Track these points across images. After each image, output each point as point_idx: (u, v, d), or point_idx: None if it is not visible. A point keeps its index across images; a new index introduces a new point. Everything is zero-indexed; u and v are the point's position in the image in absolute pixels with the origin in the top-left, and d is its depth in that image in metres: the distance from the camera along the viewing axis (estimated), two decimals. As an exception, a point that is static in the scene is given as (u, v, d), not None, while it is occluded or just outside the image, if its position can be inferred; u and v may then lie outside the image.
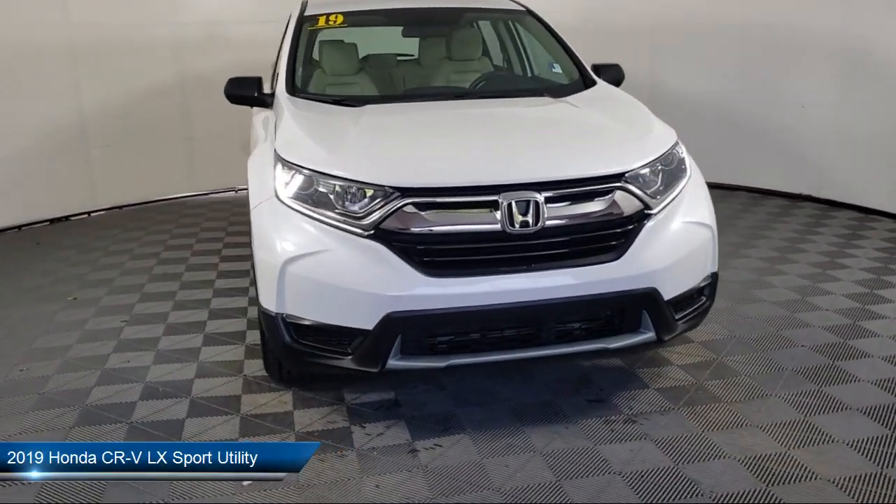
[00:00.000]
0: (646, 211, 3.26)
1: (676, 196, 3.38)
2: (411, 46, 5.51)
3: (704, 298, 3.50)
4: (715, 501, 2.77)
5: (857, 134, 6.43)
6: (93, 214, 7.35)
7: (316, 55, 4.73)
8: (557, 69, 4.41)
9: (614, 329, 3.28)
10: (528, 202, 3.07)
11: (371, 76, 4.63)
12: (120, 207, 7.49)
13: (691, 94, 7.26)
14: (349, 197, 3.15)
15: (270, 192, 3.31)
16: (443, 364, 3.12)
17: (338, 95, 4.09)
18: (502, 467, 3.01)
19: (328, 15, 4.61)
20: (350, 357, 3.15)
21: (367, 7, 4.80)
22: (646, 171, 3.30)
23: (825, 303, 4.57)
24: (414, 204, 3.07)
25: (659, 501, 2.78)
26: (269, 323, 3.24)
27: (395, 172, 3.15)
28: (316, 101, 3.97)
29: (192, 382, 3.80)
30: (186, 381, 3.81)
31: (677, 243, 3.31)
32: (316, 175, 3.21)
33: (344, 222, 3.13)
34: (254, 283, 3.64)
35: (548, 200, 3.10)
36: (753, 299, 4.66)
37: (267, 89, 4.28)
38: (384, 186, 3.10)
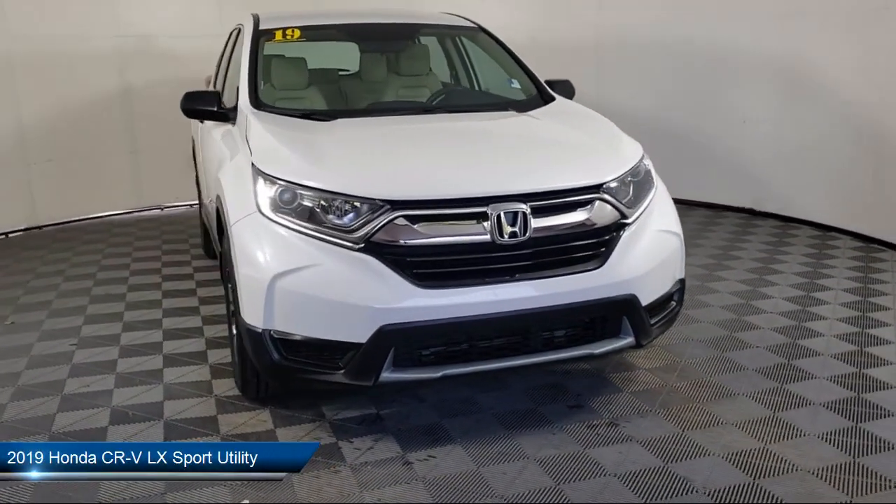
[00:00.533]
0: (622, 221, 3.38)
1: (647, 206, 3.52)
2: (352, 62, 5.51)
3: (674, 303, 3.64)
4: (711, 497, 2.88)
5: (790, 148, 6.71)
6: (11, 235, 7.05)
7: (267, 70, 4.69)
8: (516, 85, 4.50)
9: (597, 335, 3.37)
10: (515, 213, 3.14)
11: (322, 91, 4.62)
12: (60, 224, 7.36)
13: (635, 108, 7.42)
14: (336, 210, 3.15)
15: (251, 206, 3.27)
16: (437, 375, 3.14)
17: (305, 109, 4.06)
18: (500, 475, 3.05)
19: (285, 29, 4.58)
20: (342, 371, 3.13)
21: (323, 22, 4.79)
22: (620, 182, 3.43)
23: (768, 306, 4.82)
24: (405, 216, 3.09)
25: (658, 500, 2.87)
26: (255, 340, 3.19)
27: (385, 185, 3.17)
28: (282, 115, 3.93)
29: (162, 405, 3.68)
30: (156, 404, 3.69)
31: (651, 251, 3.44)
32: (300, 189, 3.20)
33: (333, 235, 3.12)
34: (231, 300, 3.58)
35: (533, 211, 3.18)
36: (701, 304, 4.86)
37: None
38: (374, 199, 3.11)
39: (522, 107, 4.21)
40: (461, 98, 4.59)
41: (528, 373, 3.83)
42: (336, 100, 4.75)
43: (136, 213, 7.83)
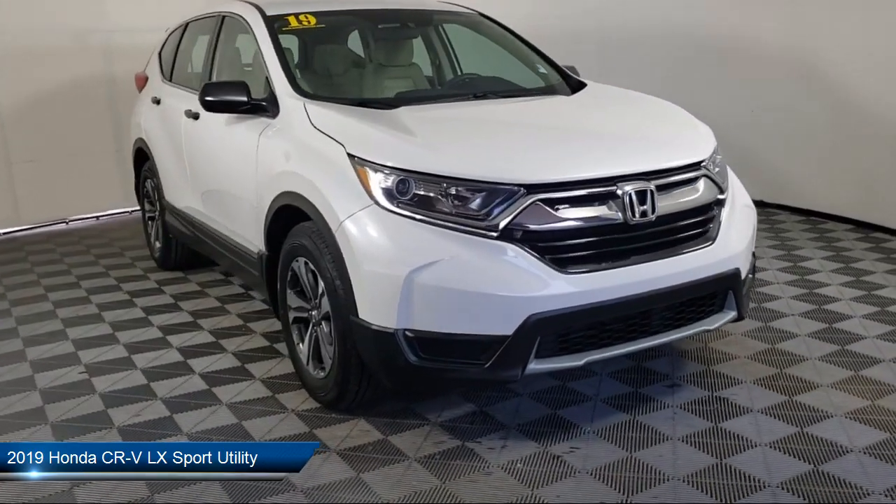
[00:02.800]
0: (719, 196, 3.42)
1: (730, 181, 3.58)
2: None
3: (751, 276, 3.73)
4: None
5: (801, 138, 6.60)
6: None
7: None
8: (542, 70, 4.44)
9: (710, 310, 3.39)
10: (644, 192, 3.09)
11: (348, 79, 4.36)
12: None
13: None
14: (461, 197, 2.97)
15: (364, 199, 3.02)
16: (581, 362, 3.04)
17: (354, 98, 3.79)
18: (657, 457, 3.00)
19: (297, 15, 4.27)
20: (486, 366, 2.95)
21: (332, 7, 4.50)
22: (712, 158, 3.47)
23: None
24: (542, 200, 2.96)
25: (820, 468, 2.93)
26: (383, 341, 2.95)
27: (518, 169, 3.02)
28: (334, 103, 3.65)
29: (240, 427, 3.33)
30: (233, 427, 3.33)
31: (742, 225, 3.50)
32: (420, 176, 2.99)
33: (465, 224, 2.94)
34: (311, 303, 3.36)
35: (657, 189, 3.15)
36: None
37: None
38: (509, 184, 2.96)
39: (563, 91, 4.15)
40: (497, 85, 4.44)
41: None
42: (369, 87, 4.49)
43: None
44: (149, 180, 5.67)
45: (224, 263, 4.66)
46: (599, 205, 3.06)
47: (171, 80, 5.41)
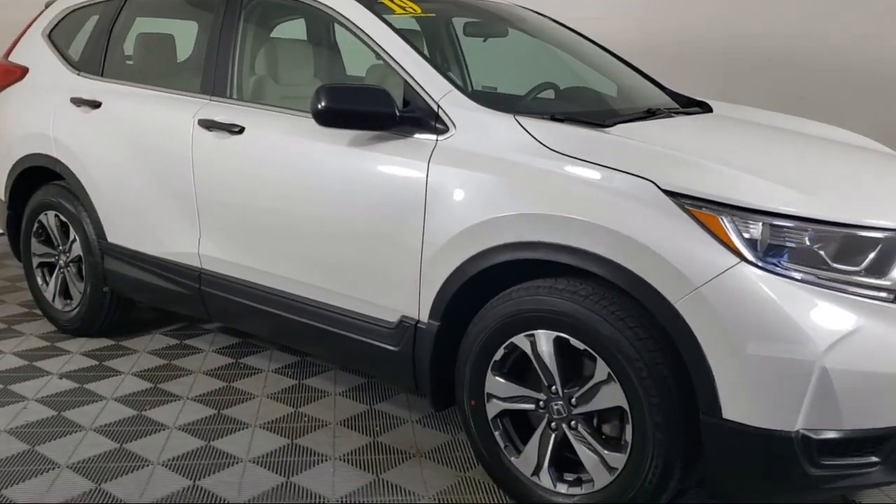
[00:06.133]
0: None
1: None
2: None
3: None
4: None
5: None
6: None
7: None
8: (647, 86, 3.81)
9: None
10: None
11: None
12: None
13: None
14: (842, 249, 2.29)
15: (722, 256, 2.21)
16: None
17: (561, 112, 2.85)
18: None
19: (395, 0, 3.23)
20: (881, 466, 2.29)
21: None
22: None
23: None
24: None
25: None
26: (773, 449, 2.18)
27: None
28: (523, 116, 2.73)
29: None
30: None
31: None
32: (802, 224, 2.25)
33: (860, 285, 2.26)
34: (561, 402, 2.49)
35: None
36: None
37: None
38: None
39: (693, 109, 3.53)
40: (635, 98, 3.67)
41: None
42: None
43: None
44: (49, 213, 4.09)
45: (283, 335, 3.44)
46: None
47: (105, 75, 3.93)
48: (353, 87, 2.84)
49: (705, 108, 3.49)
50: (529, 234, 2.47)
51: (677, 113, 3.29)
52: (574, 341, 2.42)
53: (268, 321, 3.30)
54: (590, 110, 3.04)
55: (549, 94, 3.49)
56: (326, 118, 2.75)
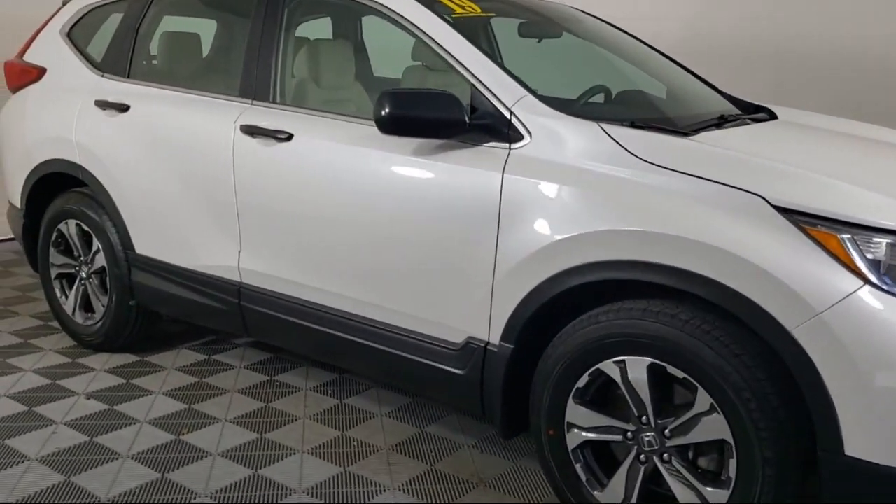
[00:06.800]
0: None
1: None
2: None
3: None
4: None
5: None
6: None
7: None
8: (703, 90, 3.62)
9: None
10: None
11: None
12: None
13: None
14: None
15: (844, 278, 2.02)
16: None
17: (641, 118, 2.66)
18: None
19: (453, -1, 3.03)
20: None
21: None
22: None
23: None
24: None
25: None
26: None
27: None
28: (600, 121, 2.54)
29: None
30: None
31: None
32: None
33: None
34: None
35: None
36: None
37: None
38: None
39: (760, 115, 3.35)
40: (696, 105, 3.49)
41: None
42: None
43: None
44: (70, 222, 3.87)
45: (330, 353, 3.25)
46: None
47: (131, 77, 3.71)
48: (420, 93, 2.63)
49: (769, 113, 3.31)
50: (622, 252, 2.28)
51: (747, 120, 3.11)
52: (672, 369, 2.24)
53: (315, 339, 3.10)
54: (654, 116, 2.85)
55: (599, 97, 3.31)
56: (391, 125, 2.56)
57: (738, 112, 3.27)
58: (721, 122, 2.93)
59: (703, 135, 2.59)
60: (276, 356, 3.91)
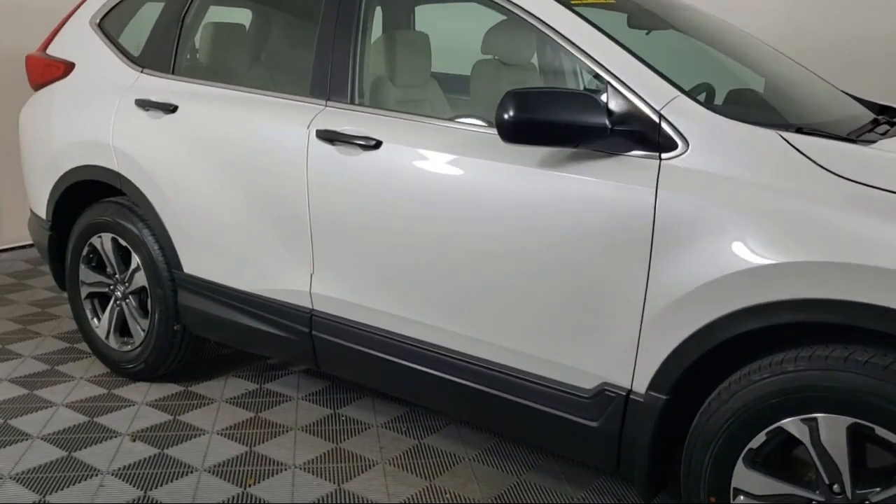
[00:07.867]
0: None
1: None
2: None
3: None
4: None
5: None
6: None
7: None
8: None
9: None
10: None
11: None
12: None
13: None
14: None
15: None
16: None
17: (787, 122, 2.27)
18: None
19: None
20: None
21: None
22: None
23: None
24: None
25: None
26: None
27: None
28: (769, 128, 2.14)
29: None
30: None
31: None
32: None
33: None
34: None
35: None
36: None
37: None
38: None
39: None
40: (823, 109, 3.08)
41: None
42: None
43: None
44: (105, 236, 3.44)
45: (422, 394, 2.82)
46: None
47: (176, 73, 3.29)
48: (551, 93, 2.22)
49: None
50: (826, 289, 1.87)
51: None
52: (882, 431, 1.83)
53: (402, 377, 2.69)
54: (789, 120, 2.43)
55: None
56: (516, 132, 2.16)
57: (875, 115, 2.87)
58: (874, 125, 2.53)
59: (882, 142, 2.19)
60: (334, 384, 3.50)
